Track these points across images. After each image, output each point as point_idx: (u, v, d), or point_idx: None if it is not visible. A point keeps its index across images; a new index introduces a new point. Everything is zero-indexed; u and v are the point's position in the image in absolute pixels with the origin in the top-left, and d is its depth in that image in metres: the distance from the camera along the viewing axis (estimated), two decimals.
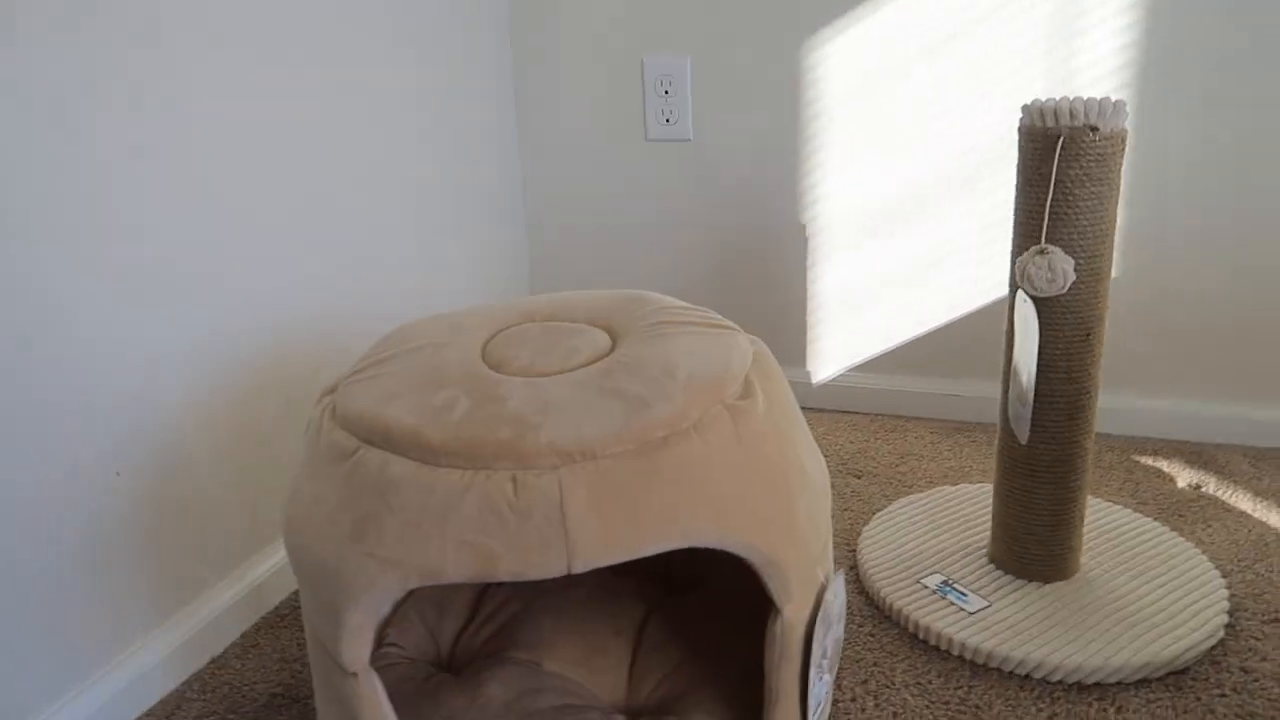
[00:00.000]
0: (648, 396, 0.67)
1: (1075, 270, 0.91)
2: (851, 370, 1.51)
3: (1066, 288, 0.90)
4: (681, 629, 0.87)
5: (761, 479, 0.68)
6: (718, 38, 1.43)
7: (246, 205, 1.02)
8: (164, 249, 0.93)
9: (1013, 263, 0.95)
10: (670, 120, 1.50)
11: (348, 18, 1.16)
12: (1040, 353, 0.94)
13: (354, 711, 0.68)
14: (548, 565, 0.62)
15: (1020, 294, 0.93)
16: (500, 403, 0.67)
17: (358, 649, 0.67)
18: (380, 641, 0.88)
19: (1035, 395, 0.95)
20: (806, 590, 0.71)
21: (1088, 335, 0.93)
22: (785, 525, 0.69)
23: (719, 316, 0.81)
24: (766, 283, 1.51)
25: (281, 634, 1.03)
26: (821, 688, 0.75)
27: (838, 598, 0.75)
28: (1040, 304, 0.93)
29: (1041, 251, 0.90)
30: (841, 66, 1.37)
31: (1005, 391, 0.99)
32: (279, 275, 1.08)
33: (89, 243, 0.85)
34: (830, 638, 0.75)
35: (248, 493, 1.05)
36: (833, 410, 1.52)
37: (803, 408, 1.54)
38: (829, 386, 1.52)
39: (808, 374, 1.53)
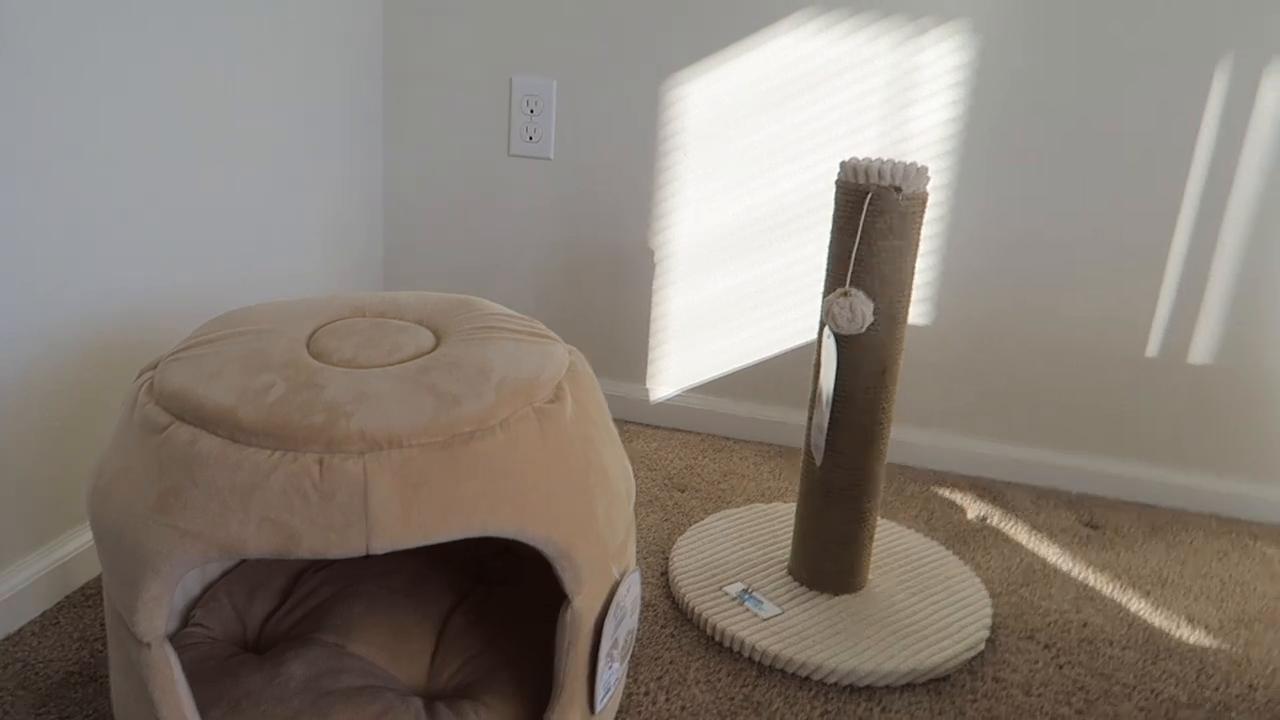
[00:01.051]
0: (459, 394, 0.72)
1: (874, 313, 1.00)
2: (687, 391, 1.59)
3: (865, 328, 0.99)
4: (485, 619, 0.91)
5: (562, 478, 0.73)
6: (585, 65, 1.49)
7: (82, 178, 1.01)
8: None
9: (822, 302, 1.04)
10: (534, 138, 1.55)
11: None
12: (839, 385, 1.03)
13: (145, 682, 0.69)
14: (347, 545, 0.66)
15: (826, 330, 1.02)
16: (317, 390, 0.70)
17: (153, 620, 0.68)
18: (186, 621, 0.89)
19: (832, 423, 1.04)
20: (599, 583, 0.77)
21: (883, 372, 1.03)
22: (582, 522, 0.75)
23: (543, 327, 0.86)
24: (614, 301, 1.58)
25: (85, 613, 1.01)
26: (611, 675, 0.80)
27: (631, 591, 0.81)
28: (842, 341, 1.02)
29: (845, 294, 0.99)
30: (698, 105, 1.46)
31: (810, 418, 1.07)
32: (112, 251, 1.07)
33: None
34: (622, 629, 0.80)
35: (61, 468, 1.03)
36: (667, 428, 1.60)
37: (639, 424, 1.61)
38: (665, 405, 1.59)
39: (646, 391, 1.60)
